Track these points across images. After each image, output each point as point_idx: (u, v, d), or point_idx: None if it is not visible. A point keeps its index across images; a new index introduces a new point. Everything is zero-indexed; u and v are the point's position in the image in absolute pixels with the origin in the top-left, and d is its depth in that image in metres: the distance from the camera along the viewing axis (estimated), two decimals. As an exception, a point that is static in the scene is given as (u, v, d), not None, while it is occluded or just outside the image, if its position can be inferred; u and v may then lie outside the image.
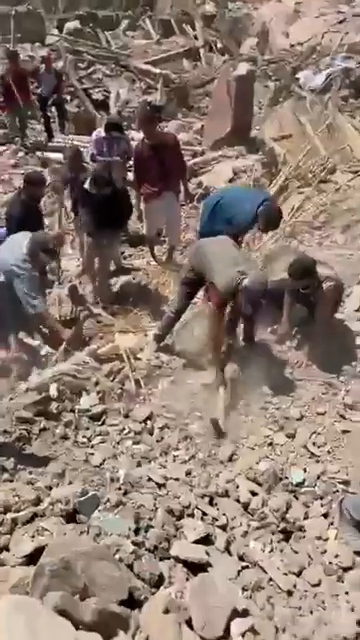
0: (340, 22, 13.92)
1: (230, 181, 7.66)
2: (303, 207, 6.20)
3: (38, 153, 9.37)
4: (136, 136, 7.61)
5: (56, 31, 15.14)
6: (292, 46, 13.85)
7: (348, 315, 4.63)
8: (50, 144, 9.67)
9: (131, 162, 6.11)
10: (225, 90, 8.70)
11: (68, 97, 11.14)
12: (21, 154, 9.54)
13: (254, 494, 3.01)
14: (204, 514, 2.71)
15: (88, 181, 5.30)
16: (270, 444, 3.53)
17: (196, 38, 15.06)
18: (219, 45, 15.04)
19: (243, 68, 8.86)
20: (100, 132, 6.47)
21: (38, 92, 10.00)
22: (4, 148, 9.72)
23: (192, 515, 2.66)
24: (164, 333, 4.56)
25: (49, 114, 10.22)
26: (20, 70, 9.65)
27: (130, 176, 6.32)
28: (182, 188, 5.97)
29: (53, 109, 10.28)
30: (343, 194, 6.05)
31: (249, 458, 3.37)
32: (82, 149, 6.89)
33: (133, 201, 6.11)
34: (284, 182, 6.62)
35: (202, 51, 14.30)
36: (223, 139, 8.61)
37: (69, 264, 6.45)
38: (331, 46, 12.68)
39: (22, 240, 4.35)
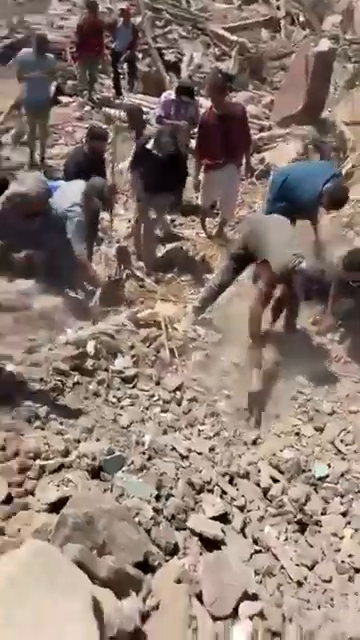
0: None
1: (293, 161, 7.43)
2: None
3: (104, 108, 9.29)
4: (204, 103, 7.44)
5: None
6: (378, 28, 13.17)
7: None
8: (117, 101, 9.57)
9: (196, 129, 5.99)
10: (302, 65, 8.36)
11: (140, 55, 10.95)
12: (87, 108, 9.49)
13: (275, 481, 3.00)
14: (223, 492, 2.71)
15: (152, 141, 5.25)
16: (297, 434, 3.50)
17: (278, 8, 14.45)
18: (301, 18, 14.40)
19: (325, 44, 8.48)
20: (170, 94, 6.35)
21: (112, 46, 9.85)
22: (71, 100, 9.68)
23: (212, 491, 2.67)
24: (204, 306, 4.53)
25: (120, 70, 10.08)
26: (98, 21, 9.49)
27: (193, 143, 6.21)
28: (244, 162, 5.84)
29: (125, 65, 10.14)
30: None
31: (274, 444, 3.35)
32: (145, 109, 6.80)
33: (191, 170, 6.02)
34: (350, 169, 6.39)
35: (283, 22, 13.74)
36: (293, 116, 8.32)
37: (120, 225, 6.46)
38: None
39: (77, 188, 4.40)
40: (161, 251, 6.03)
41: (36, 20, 11.62)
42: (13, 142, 8.31)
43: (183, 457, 2.93)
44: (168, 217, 6.44)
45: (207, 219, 6.48)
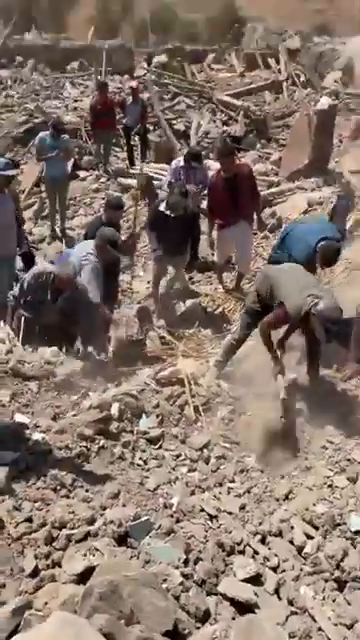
0: None
1: (305, 213, 7.61)
2: (379, 243, 6.03)
3: (119, 179, 9.77)
4: (213, 165, 7.77)
5: (145, 64, 15.85)
6: (377, 80, 13.71)
7: None
8: (131, 171, 10.06)
9: (206, 191, 6.24)
10: (305, 122, 8.72)
11: (151, 127, 11.57)
12: (103, 180, 9.99)
13: (309, 537, 2.90)
14: (255, 553, 2.64)
15: (164, 203, 5.49)
16: (330, 486, 3.40)
17: (280, 72, 15.23)
18: (302, 79, 15.12)
19: (325, 102, 8.84)
20: (179, 161, 6.67)
21: (124, 122, 10.46)
22: (88, 174, 10.22)
23: (243, 552, 2.60)
24: (225, 360, 4.56)
25: (132, 142, 10.65)
26: (109, 101, 10.17)
27: (204, 204, 6.44)
28: (256, 217, 6.02)
29: (136, 138, 10.71)
30: None
31: (306, 498, 3.25)
32: (155, 176, 7.14)
33: (204, 229, 6.22)
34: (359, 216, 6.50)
35: (285, 84, 14.43)
36: (300, 171, 8.60)
37: (140, 286, 6.64)
38: None
39: (91, 243, 4.78)
40: (181, 308, 6.15)
41: (52, 104, 12.49)
42: (35, 217, 8.77)
43: (212, 517, 2.88)
44: (186, 275, 6.60)
45: (224, 274, 6.62)
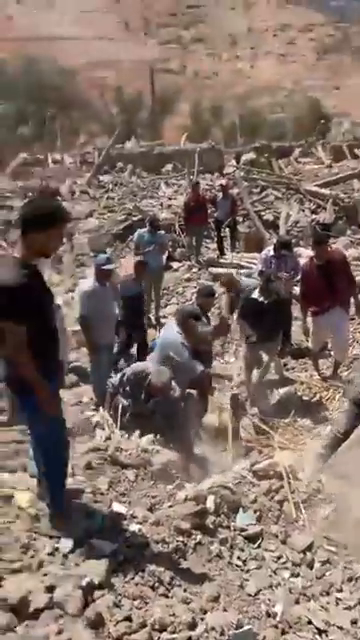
0: None
1: None
2: None
3: (210, 268, 10.14)
4: (304, 253, 7.86)
5: (234, 162, 16.88)
6: None
7: None
8: (221, 260, 10.43)
9: (298, 277, 6.28)
10: None
11: (241, 219, 12.07)
12: (195, 269, 10.42)
13: None
14: None
15: (257, 290, 5.58)
16: None
17: (366, 160, 15.52)
18: (390, 165, 15.25)
19: None
20: (269, 251, 6.83)
21: (215, 216, 11.03)
22: (180, 264, 10.73)
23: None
24: (328, 453, 4.31)
25: (222, 234, 11.14)
26: (201, 198, 10.85)
27: (297, 290, 6.46)
28: (353, 302, 5.91)
29: (227, 230, 11.20)
30: None
31: None
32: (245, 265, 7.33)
33: (298, 314, 6.18)
34: None
35: (372, 172, 14.60)
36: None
37: (231, 372, 6.62)
38: None
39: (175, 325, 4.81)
40: (275, 396, 6.01)
41: (148, 203, 13.51)
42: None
43: (321, 632, 2.62)
44: (280, 361, 6.51)
45: (320, 360, 6.45)
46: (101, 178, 15.70)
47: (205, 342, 5.15)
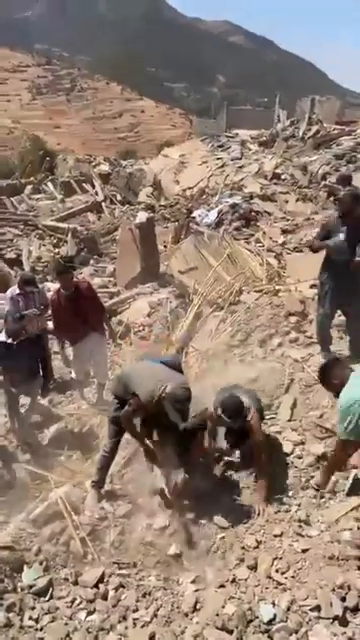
0: (220, 167, 15.96)
1: (148, 315, 7.99)
2: (219, 329, 6.52)
3: None
4: (52, 287, 7.88)
5: None
6: (184, 190, 15.54)
7: (282, 426, 4.72)
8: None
9: (49, 312, 6.26)
10: (129, 235, 9.42)
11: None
12: None
13: (226, 645, 2.77)
14: None
15: (2, 332, 5.37)
16: (233, 580, 3.33)
17: (97, 194, 16.48)
18: (118, 197, 16.52)
19: (143, 215, 9.70)
20: (15, 289, 6.64)
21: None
22: None
23: None
24: (101, 478, 4.37)
25: None
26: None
27: (50, 325, 6.43)
28: (105, 327, 6.15)
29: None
30: (253, 312, 6.46)
31: (214, 603, 3.13)
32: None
33: (56, 349, 6.16)
34: (198, 309, 7.01)
35: (104, 204, 15.59)
36: (135, 278, 9.13)
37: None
38: (216, 187, 14.38)
39: None
40: (47, 436, 5.85)
41: None
42: None
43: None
44: (43, 399, 6.34)
45: (85, 389, 6.51)
46: None
47: None
